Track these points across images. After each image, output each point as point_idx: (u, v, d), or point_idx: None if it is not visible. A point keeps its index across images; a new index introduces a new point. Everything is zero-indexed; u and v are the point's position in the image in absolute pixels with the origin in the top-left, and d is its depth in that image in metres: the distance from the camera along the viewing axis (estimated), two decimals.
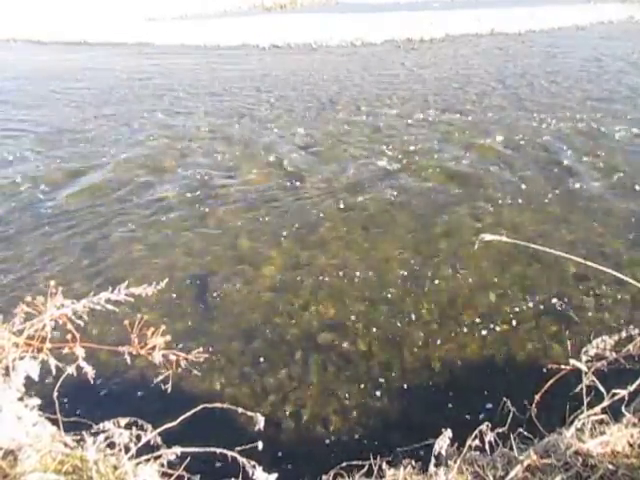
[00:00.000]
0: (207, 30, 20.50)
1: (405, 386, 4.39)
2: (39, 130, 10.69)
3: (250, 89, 13.09)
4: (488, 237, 2.62)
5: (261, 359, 4.72)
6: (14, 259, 6.28)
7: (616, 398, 2.43)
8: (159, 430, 2.15)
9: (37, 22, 23.04)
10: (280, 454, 3.83)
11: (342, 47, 17.61)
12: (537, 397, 2.66)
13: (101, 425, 2.10)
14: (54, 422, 2.05)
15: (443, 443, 2.36)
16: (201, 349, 2.05)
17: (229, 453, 2.14)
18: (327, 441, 3.96)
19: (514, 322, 5.01)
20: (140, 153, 9.29)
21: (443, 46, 17.13)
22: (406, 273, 5.75)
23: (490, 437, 2.40)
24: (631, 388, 2.45)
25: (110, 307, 2.03)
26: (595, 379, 2.46)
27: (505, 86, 12.40)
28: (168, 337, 1.95)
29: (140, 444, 2.08)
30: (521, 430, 2.57)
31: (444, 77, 13.42)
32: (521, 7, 22.84)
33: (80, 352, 1.91)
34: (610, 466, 2.19)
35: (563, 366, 2.54)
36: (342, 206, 7.18)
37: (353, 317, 5.15)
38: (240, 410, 2.36)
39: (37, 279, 5.82)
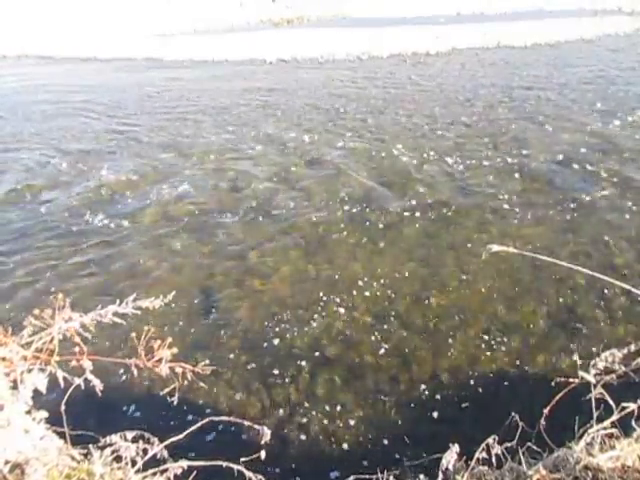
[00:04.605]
0: (215, 45, 20.70)
1: (413, 399, 4.37)
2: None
3: (257, 103, 13.18)
4: (496, 248, 2.61)
5: (268, 372, 4.71)
6: (22, 272, 6.33)
7: (626, 412, 2.40)
8: (166, 443, 2.15)
9: (48, 38, 23.35)
10: (287, 467, 3.81)
11: (349, 61, 17.70)
12: (546, 411, 2.63)
13: (108, 438, 2.10)
14: (61, 435, 2.05)
15: (450, 457, 2.34)
16: (208, 361, 2.05)
17: (235, 467, 2.13)
18: (334, 454, 3.94)
19: (523, 334, 4.98)
20: (144, 166, 9.36)
21: (449, 59, 17.18)
22: (414, 285, 5.74)
23: (498, 451, 2.37)
24: None
25: (118, 320, 2.04)
26: (604, 392, 2.44)
27: (512, 98, 12.41)
28: (175, 350, 1.95)
29: (147, 457, 2.08)
30: (530, 444, 2.55)
31: (450, 90, 13.46)
32: (527, 20, 22.90)
33: (88, 365, 1.91)
34: None
35: (572, 379, 2.52)
36: (349, 219, 7.19)
37: (361, 330, 5.14)
38: (247, 423, 2.35)
39: (45, 292, 5.85)
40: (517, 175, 8.30)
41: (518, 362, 4.68)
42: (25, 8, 33.14)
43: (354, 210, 7.42)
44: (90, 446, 2.07)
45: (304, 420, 4.23)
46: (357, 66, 17.00)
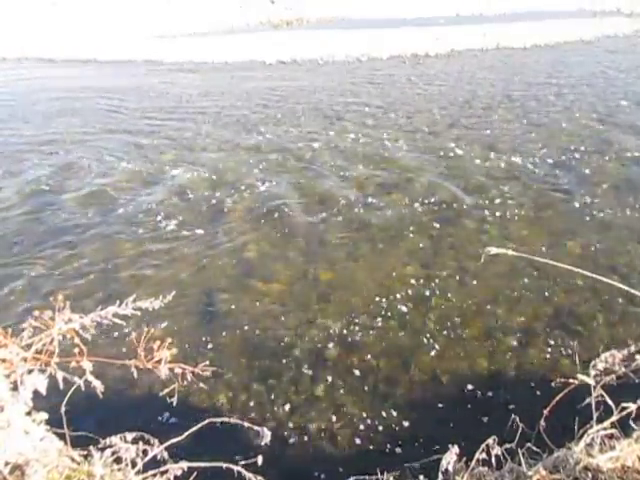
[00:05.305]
0: (215, 47, 20.72)
1: (413, 400, 4.37)
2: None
3: (257, 104, 13.19)
4: (494, 250, 2.61)
5: (268, 373, 4.71)
6: (23, 273, 6.33)
7: (625, 412, 2.40)
8: (165, 445, 2.15)
9: (48, 41, 23.37)
10: (287, 468, 3.81)
11: (348, 63, 17.73)
12: (546, 412, 2.64)
13: (108, 440, 2.10)
14: (61, 437, 2.05)
15: (450, 458, 2.34)
16: (207, 363, 2.06)
17: (235, 468, 2.13)
18: (334, 456, 3.94)
19: (522, 336, 4.98)
20: (146, 168, 9.37)
21: (449, 61, 17.22)
22: (413, 287, 5.74)
23: (498, 452, 2.37)
24: None
25: (118, 321, 2.04)
26: (604, 393, 2.44)
27: (511, 100, 12.43)
28: (174, 350, 1.95)
29: (147, 459, 2.08)
30: (529, 445, 2.55)
31: (450, 91, 13.48)
32: (526, 22, 22.95)
33: (87, 366, 1.92)
34: None
35: (572, 380, 2.52)
36: (349, 220, 7.20)
37: (360, 331, 5.14)
38: (247, 425, 2.35)
39: (45, 293, 5.85)
40: (517, 176, 8.31)
41: (518, 363, 4.68)
42: (25, 10, 33.17)
43: (353, 211, 7.42)
44: (90, 447, 2.07)
45: (304, 421, 4.22)
46: (356, 67, 17.03)
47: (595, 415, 2.44)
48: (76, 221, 7.57)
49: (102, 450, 2.05)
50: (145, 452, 2.10)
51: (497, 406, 4.21)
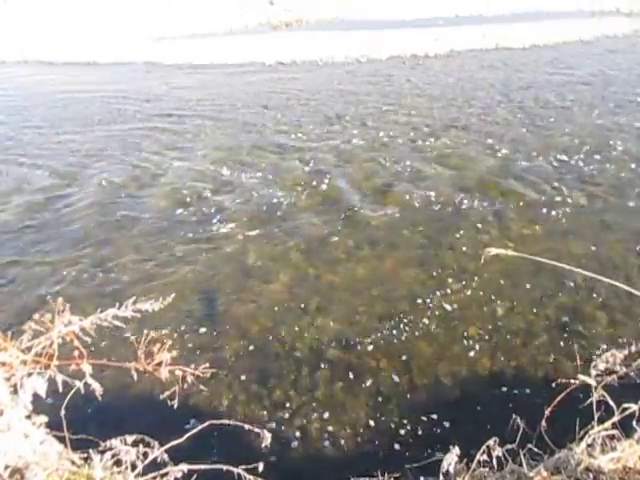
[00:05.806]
0: (214, 48, 20.71)
1: (413, 401, 4.37)
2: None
3: (256, 106, 13.18)
4: (494, 251, 2.60)
5: (268, 375, 4.71)
6: (23, 276, 6.33)
7: (627, 413, 2.40)
8: (166, 447, 2.15)
9: (48, 43, 23.35)
10: (287, 470, 3.81)
11: (347, 63, 17.72)
12: (547, 412, 2.63)
13: (108, 442, 2.09)
14: (61, 440, 2.05)
15: (451, 459, 2.33)
16: (208, 365, 2.05)
17: (236, 470, 2.13)
18: (334, 457, 3.94)
19: (523, 336, 4.98)
20: (142, 171, 9.36)
21: (448, 61, 17.19)
22: (414, 288, 5.74)
23: (499, 453, 2.37)
24: None
25: (117, 323, 2.03)
26: (605, 394, 2.44)
27: (510, 100, 12.42)
28: (174, 353, 1.95)
29: (147, 461, 2.07)
30: (530, 446, 2.54)
31: (449, 92, 13.46)
32: (525, 22, 22.91)
33: (87, 369, 1.91)
34: None
35: (573, 381, 2.52)
36: (349, 222, 7.19)
37: (361, 332, 5.14)
38: (247, 427, 2.35)
39: (46, 295, 5.85)
40: (516, 176, 8.30)
41: (518, 363, 4.68)
42: (25, 13, 33.19)
43: (354, 211, 7.42)
44: (90, 450, 2.07)
45: (304, 422, 4.22)
46: (356, 68, 17.01)
47: (596, 416, 2.44)
48: (74, 222, 7.57)
49: (102, 453, 2.05)
50: (145, 455, 2.09)
51: (498, 407, 4.21)
